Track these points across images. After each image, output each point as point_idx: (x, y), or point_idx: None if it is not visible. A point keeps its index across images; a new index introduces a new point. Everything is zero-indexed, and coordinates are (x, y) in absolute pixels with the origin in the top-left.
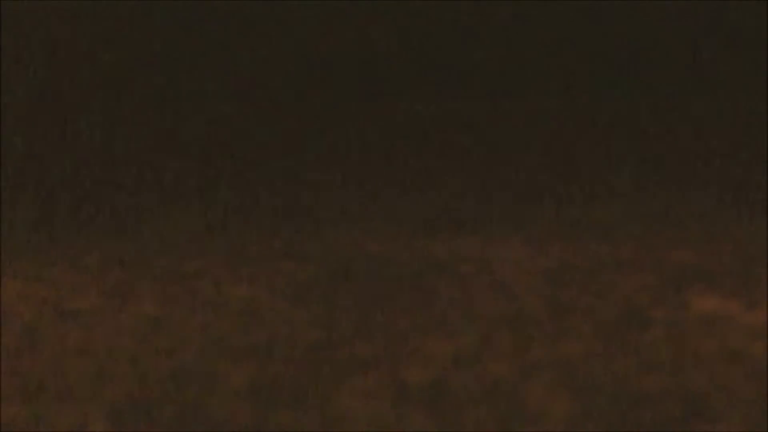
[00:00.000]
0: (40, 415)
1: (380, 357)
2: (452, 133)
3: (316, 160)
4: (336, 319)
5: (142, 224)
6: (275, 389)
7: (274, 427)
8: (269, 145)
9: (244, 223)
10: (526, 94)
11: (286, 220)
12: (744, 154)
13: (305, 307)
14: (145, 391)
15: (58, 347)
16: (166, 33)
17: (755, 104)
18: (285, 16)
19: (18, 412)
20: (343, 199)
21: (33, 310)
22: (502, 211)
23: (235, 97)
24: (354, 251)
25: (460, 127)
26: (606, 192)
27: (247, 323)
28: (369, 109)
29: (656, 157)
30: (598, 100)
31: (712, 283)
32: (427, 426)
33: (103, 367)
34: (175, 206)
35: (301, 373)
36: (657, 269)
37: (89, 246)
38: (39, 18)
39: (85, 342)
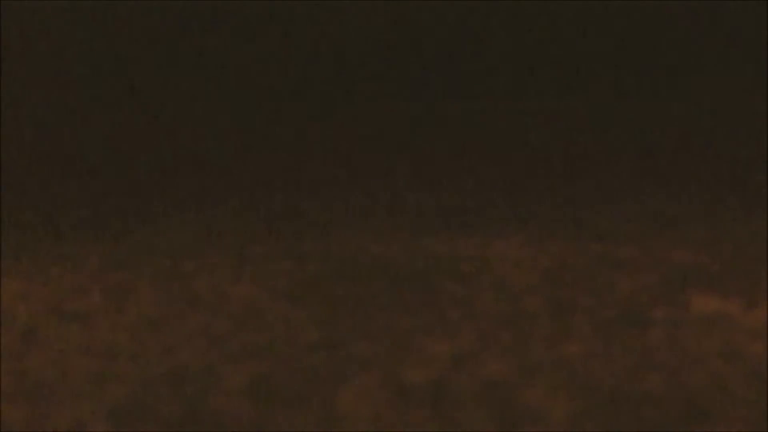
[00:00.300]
0: (40, 415)
1: (380, 357)
2: (452, 133)
3: (316, 160)
4: (336, 319)
5: (142, 224)
6: (275, 389)
7: (274, 427)
8: (269, 145)
9: (244, 223)
10: (526, 94)
11: (286, 220)
12: (744, 154)
13: (305, 307)
14: (145, 391)
15: (58, 347)
16: (166, 33)
17: (755, 104)
18: (283, 15)
19: (18, 412)
20: (343, 199)
21: (33, 310)
22: (502, 211)
23: (234, 97)
24: (354, 251)
25: (461, 127)
26: (606, 192)
27: (247, 323)
28: (369, 109)
29: (655, 157)
30: (597, 100)
31: (712, 283)
32: (427, 426)
33: (103, 367)
34: (174, 206)
35: (301, 373)
36: (657, 269)
37: (89, 246)
38: (39, 18)
39: (85, 342)
